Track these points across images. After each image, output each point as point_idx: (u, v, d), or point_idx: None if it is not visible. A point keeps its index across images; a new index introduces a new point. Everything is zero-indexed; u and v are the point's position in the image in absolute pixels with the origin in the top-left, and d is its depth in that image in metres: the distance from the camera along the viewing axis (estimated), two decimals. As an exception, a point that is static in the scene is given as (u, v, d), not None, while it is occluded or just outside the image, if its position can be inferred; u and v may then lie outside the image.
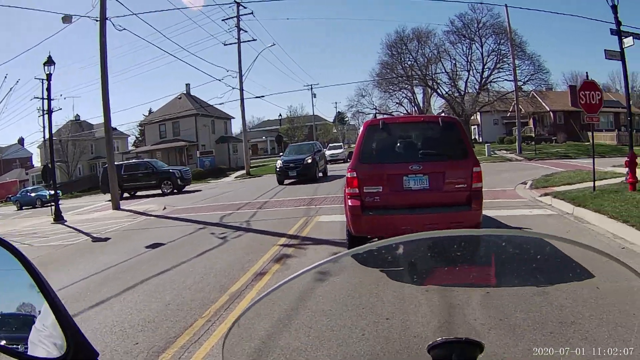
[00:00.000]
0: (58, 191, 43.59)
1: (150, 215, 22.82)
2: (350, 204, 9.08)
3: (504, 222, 12.56)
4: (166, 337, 6.49)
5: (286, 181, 31.10)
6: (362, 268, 7.12)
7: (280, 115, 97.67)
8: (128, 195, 38.52)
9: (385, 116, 51.51)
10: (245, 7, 49.53)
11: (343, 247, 10.67)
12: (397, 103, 73.93)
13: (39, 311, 1.69)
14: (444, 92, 68.16)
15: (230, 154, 73.51)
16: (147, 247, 13.93)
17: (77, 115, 78.78)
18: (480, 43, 63.68)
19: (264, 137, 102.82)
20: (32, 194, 50.98)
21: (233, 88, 51.33)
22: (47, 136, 28.28)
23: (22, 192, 55.17)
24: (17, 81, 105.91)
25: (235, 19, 50.33)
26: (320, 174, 33.46)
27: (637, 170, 14.77)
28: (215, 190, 35.56)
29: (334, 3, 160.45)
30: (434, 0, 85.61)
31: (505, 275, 3.38)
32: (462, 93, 66.08)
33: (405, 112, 71.01)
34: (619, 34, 17.54)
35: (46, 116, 28.31)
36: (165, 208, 25.16)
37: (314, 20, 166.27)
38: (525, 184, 20.64)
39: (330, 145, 68.02)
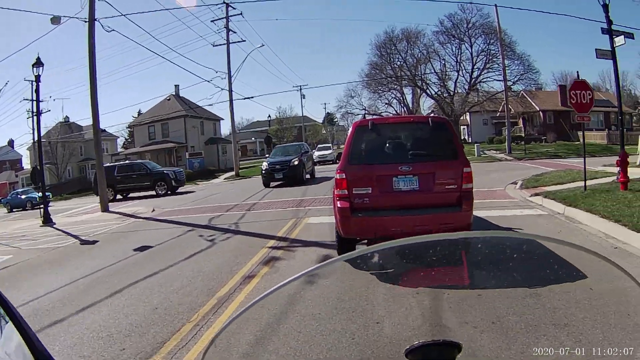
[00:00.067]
0: (48, 193, 43.43)
1: (139, 218, 22.68)
2: (339, 205, 8.98)
3: (494, 223, 12.51)
4: (153, 342, 6.39)
5: (272, 184, 30.52)
6: (353, 271, 7.02)
7: (269, 116, 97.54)
8: (121, 197, 38.32)
9: (375, 117, 51.42)
10: (234, 8, 49.46)
11: (332, 249, 10.55)
12: (386, 103, 74.01)
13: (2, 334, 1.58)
14: (433, 93, 68.38)
15: (219, 155, 73.44)
16: (135, 250, 13.80)
17: (67, 117, 78.71)
18: (470, 43, 63.96)
19: (253, 138, 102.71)
20: (23, 196, 50.68)
21: (222, 89, 51.30)
22: (36, 138, 28.07)
23: (12, 194, 54.86)
24: (7, 83, 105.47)
25: (225, 19, 50.24)
26: (308, 176, 32.95)
27: (629, 169, 14.76)
28: (205, 192, 35.40)
29: (323, 4, 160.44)
30: (424, 0, 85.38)
31: (497, 277, 3.31)
32: (452, 93, 66.27)
33: (394, 112, 71.00)
34: (610, 32, 17.54)
35: (35, 118, 28.12)
36: (154, 210, 25.03)
37: (303, 21, 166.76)
38: (516, 183, 20.62)
39: (319, 146, 67.90)
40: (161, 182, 37.40)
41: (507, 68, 55.47)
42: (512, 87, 60.12)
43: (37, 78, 26.10)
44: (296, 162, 30.44)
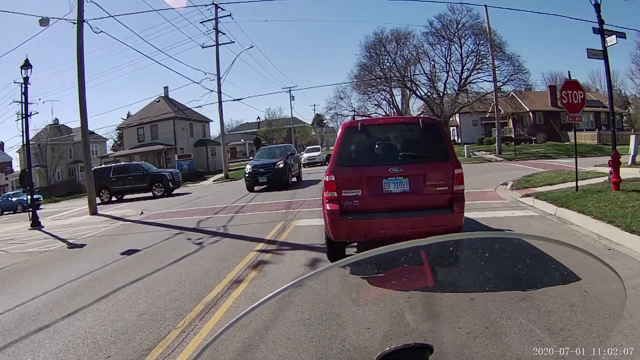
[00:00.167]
0: (39, 196, 43.01)
1: (127, 221, 22.50)
2: (328, 208, 8.85)
3: (485, 225, 12.45)
4: (139, 349, 6.26)
5: (256, 188, 29.34)
6: (343, 275, 6.90)
7: (258, 118, 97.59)
8: (115, 198, 38.09)
9: (364, 118, 51.43)
10: (223, 9, 49.40)
11: (322, 252, 10.42)
12: (375, 105, 74.26)
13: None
14: (422, 94, 68.66)
15: (208, 157, 73.43)
16: (122, 253, 13.67)
17: (56, 119, 78.58)
18: (460, 44, 64.29)
19: (242, 140, 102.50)
20: (14, 199, 50.58)
21: (211, 91, 51.19)
22: (25, 140, 27.90)
23: (3, 197, 54.70)
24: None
25: (214, 21, 50.15)
26: (294, 179, 31.95)
27: (620, 169, 14.71)
28: (194, 194, 35.19)
29: (313, 6, 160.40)
30: (414, 0, 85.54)
31: (490, 280, 3.21)
32: (441, 94, 66.41)
33: (383, 113, 71.11)
34: (602, 32, 17.51)
35: (24, 120, 27.91)
36: (142, 213, 24.93)
37: (292, 23, 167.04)
38: (506, 184, 20.58)
39: (308, 147, 67.87)
40: (158, 184, 37.15)
41: (497, 69, 55.64)
42: (502, 87, 60.36)
43: (26, 80, 26.01)
44: (281, 165, 29.20)
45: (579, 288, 4.72)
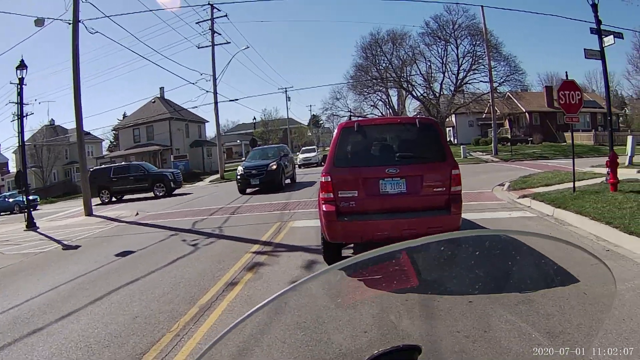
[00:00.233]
0: (36, 197, 42.77)
1: (122, 222, 22.43)
2: (324, 209, 8.77)
3: (483, 226, 12.39)
4: (132, 353, 6.18)
5: (249, 190, 28.52)
6: (340, 277, 6.81)
7: (254, 118, 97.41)
8: (115, 199, 37.89)
9: (360, 118, 51.48)
10: (219, 10, 49.37)
11: (318, 253, 10.35)
12: (371, 105, 74.35)
13: None
14: (418, 94, 68.54)
15: (204, 158, 73.36)
16: (117, 255, 13.60)
17: (52, 119, 78.44)
18: (456, 45, 64.24)
19: (238, 141, 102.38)
20: (10, 200, 50.38)
21: (207, 91, 51.30)
22: (20, 141, 27.86)
23: (0, 198, 54.25)
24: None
25: (210, 21, 50.08)
26: (288, 181, 31.30)
27: (618, 170, 14.66)
28: (191, 195, 35.04)
29: (309, 6, 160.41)
30: (410, 0, 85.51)
31: (487, 282, 3.12)
32: (437, 95, 66.37)
33: (380, 114, 71.14)
34: (599, 32, 17.46)
35: (19, 121, 27.83)
36: (137, 214, 24.85)
37: (288, 23, 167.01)
38: (503, 185, 20.53)
39: (304, 148, 67.90)
40: (160, 184, 36.97)
41: (493, 69, 55.71)
42: (498, 88, 60.37)
43: (21, 81, 25.96)
44: (274, 167, 28.44)
45: (577, 290, 4.65)
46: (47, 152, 74.33)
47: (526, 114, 70.69)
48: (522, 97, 68.31)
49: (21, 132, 28.05)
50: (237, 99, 76.06)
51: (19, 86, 26.40)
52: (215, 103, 51.56)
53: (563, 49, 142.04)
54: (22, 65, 25.24)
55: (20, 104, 27.20)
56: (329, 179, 8.79)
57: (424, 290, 4.94)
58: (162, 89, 76.78)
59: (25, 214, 25.58)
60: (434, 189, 8.78)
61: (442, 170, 8.80)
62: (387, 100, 74.26)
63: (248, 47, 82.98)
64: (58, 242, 18.23)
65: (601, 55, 17.75)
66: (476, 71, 63.38)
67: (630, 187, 14.37)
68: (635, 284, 6.83)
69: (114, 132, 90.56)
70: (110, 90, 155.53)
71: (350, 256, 2.49)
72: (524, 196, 16.41)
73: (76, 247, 16.58)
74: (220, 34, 51.83)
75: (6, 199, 51.48)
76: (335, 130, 9.69)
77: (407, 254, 1.70)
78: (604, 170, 16.53)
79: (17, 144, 34.02)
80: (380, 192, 8.74)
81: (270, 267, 10.19)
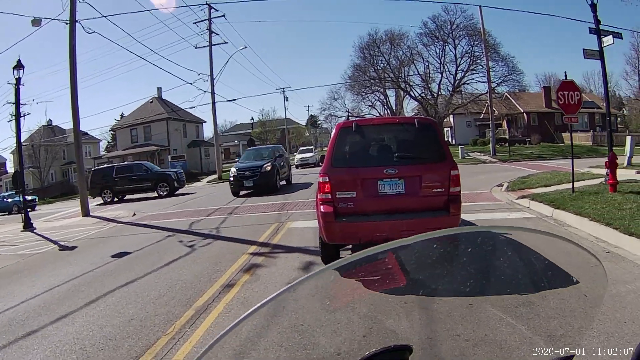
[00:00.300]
0: (35, 197, 42.65)
1: (119, 222, 22.36)
2: (322, 210, 8.69)
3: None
4: (127, 356, 6.12)
5: (242, 192, 27.64)
6: (337, 278, 6.74)
7: (252, 118, 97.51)
8: (117, 199, 37.66)
9: (358, 118, 51.46)
10: (217, 10, 49.26)
11: (316, 254, 10.29)
12: (369, 106, 74.30)
13: None
14: (416, 95, 68.52)
15: (202, 158, 73.35)
16: (113, 256, 13.53)
17: (50, 120, 78.51)
18: (454, 45, 64.24)
19: (236, 141, 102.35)
20: (9, 200, 50.10)
21: (205, 91, 51.03)
22: (17, 141, 27.81)
23: (-1, 198, 54.19)
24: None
25: (207, 21, 50.00)
26: (283, 182, 30.43)
27: (617, 171, 14.61)
28: (187, 195, 34.92)
29: (306, 7, 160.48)
30: (408, 0, 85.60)
31: (486, 284, 3.05)
32: (435, 95, 66.36)
33: (377, 114, 71.07)
34: (598, 32, 17.41)
35: (16, 121, 27.76)
36: (134, 214, 24.77)
37: (286, 23, 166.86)
38: (501, 186, 20.50)
39: (301, 148, 67.94)
40: (163, 183, 36.70)
41: (491, 70, 55.69)
42: (496, 88, 60.34)
43: (18, 81, 25.90)
44: (268, 168, 27.41)
45: (578, 292, 4.57)
46: (45, 153, 74.26)
47: (524, 114, 70.72)
48: (520, 98, 68.35)
49: (18, 132, 28.00)
50: (234, 99, 76.16)
51: (16, 86, 26.36)
52: (213, 103, 51.50)
53: (561, 49, 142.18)
54: (19, 66, 25.16)
55: (18, 104, 27.12)
56: (327, 180, 8.71)
57: (425, 290, 4.88)
58: (159, 89, 77.03)
59: (22, 214, 25.50)
60: (433, 190, 8.71)
61: (441, 171, 8.73)
62: (385, 100, 74.31)
63: (246, 47, 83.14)
64: (55, 242, 18.18)
65: (600, 55, 17.71)
66: (474, 71, 63.46)
67: (630, 188, 14.34)
68: (637, 286, 6.75)
69: (111, 132, 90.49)
70: (107, 91, 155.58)
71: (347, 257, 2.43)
72: (523, 197, 16.37)
73: (72, 248, 16.52)
74: (218, 34, 51.83)
75: (5, 200, 51.32)
76: (333, 131, 9.62)
77: (405, 254, 1.77)
78: (603, 171, 16.49)
79: (15, 144, 33.97)
80: (379, 193, 8.67)
81: (268, 268, 10.12)
